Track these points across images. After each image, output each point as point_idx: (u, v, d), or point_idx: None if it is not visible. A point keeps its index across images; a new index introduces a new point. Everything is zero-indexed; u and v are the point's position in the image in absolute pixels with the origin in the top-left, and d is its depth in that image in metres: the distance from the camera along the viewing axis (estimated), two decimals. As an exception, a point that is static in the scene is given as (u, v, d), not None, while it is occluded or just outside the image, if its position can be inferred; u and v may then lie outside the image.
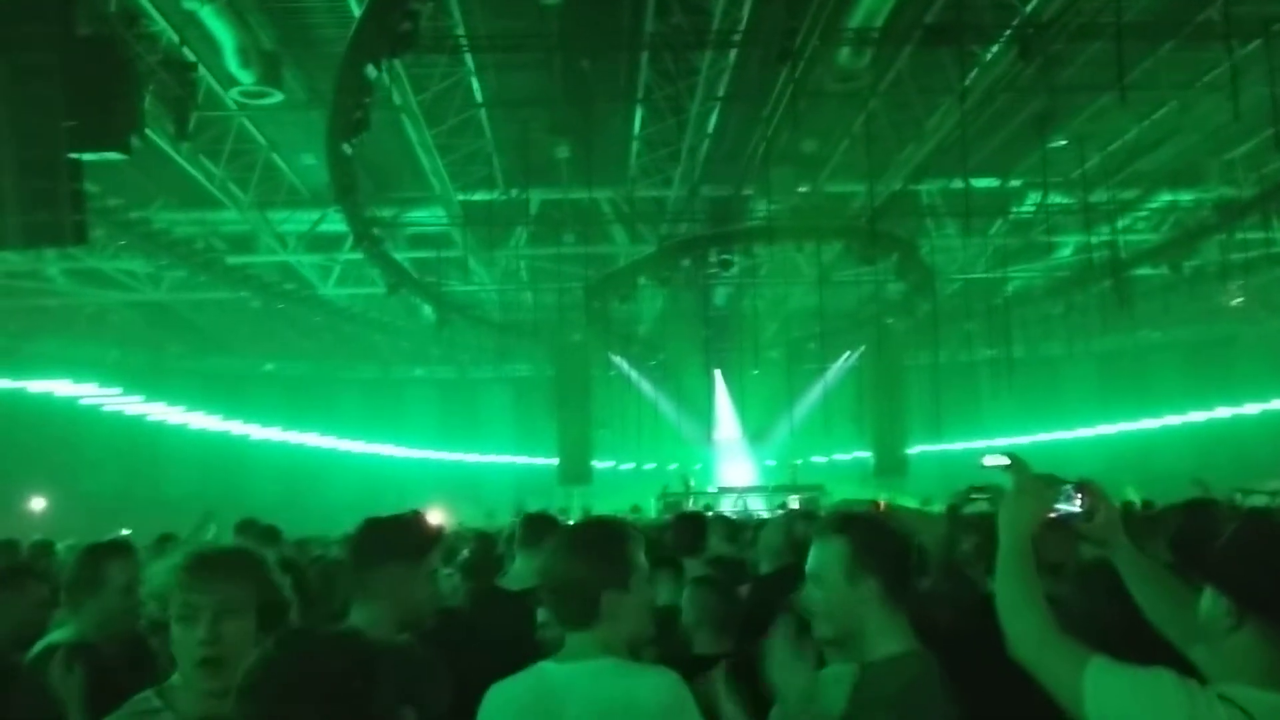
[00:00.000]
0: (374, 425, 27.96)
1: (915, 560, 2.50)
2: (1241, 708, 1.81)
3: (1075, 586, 2.60)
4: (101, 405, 23.04)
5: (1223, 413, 23.61)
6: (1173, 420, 24.38)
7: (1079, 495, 2.26)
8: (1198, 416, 24.04)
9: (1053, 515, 2.24)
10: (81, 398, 22.45)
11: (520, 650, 2.73)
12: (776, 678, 2.44)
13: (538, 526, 4.58)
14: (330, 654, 1.77)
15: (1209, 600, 1.95)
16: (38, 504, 21.65)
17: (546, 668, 2.41)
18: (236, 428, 26.00)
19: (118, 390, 23.30)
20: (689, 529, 6.09)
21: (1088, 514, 2.27)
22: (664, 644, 3.40)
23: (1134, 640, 2.10)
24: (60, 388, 21.88)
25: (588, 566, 2.43)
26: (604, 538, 2.51)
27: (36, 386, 21.39)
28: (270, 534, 7.38)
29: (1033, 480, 2.27)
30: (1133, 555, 2.30)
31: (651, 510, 19.36)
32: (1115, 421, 25.16)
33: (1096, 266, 19.24)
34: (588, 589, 2.40)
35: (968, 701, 2.30)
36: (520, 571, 4.50)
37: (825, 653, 3.29)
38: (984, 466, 2.49)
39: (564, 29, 12.96)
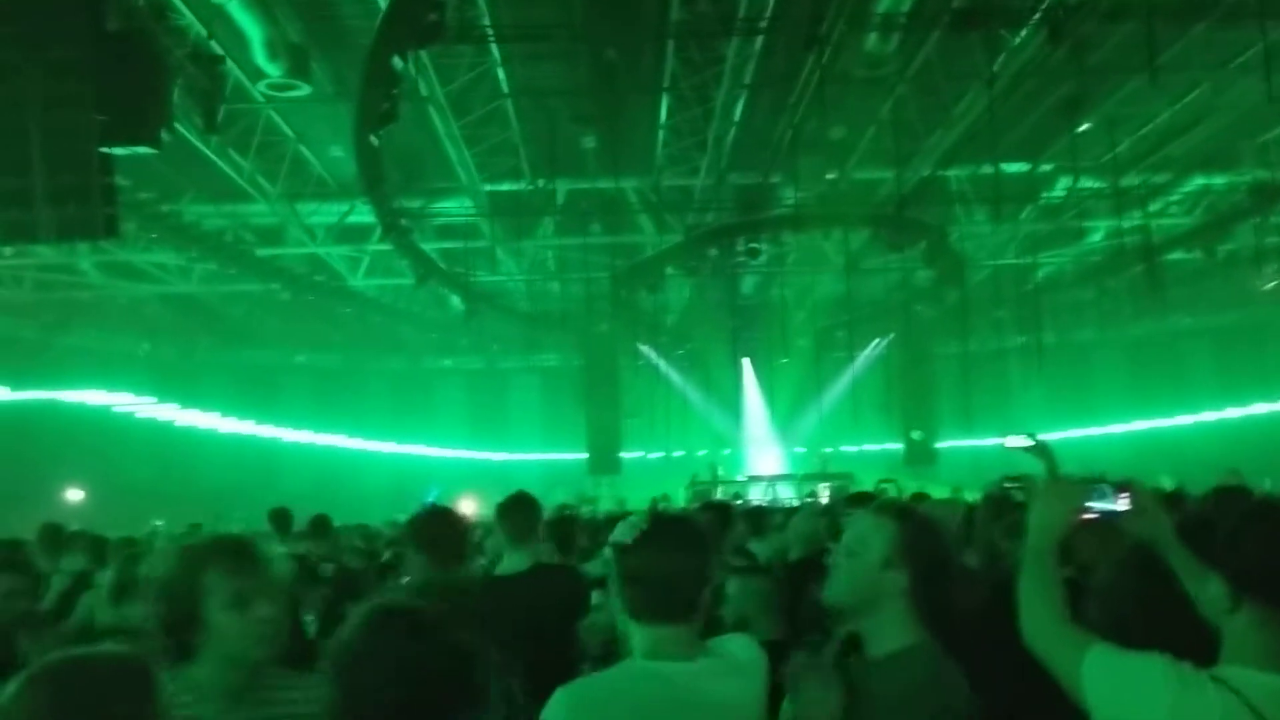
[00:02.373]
0: (404, 422, 28.11)
1: (948, 562, 2.49)
2: (1234, 689, 1.86)
3: (1117, 576, 2.58)
4: (134, 413, 23.38)
5: (1260, 409, 23.28)
6: (1207, 416, 24.05)
7: (1123, 494, 2.25)
8: (1233, 413, 23.72)
9: (1092, 515, 2.23)
10: (115, 406, 22.78)
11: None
12: (803, 707, 2.45)
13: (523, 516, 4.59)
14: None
15: (1212, 583, 2.00)
16: (75, 495, 21.94)
17: (664, 668, 2.40)
18: (268, 431, 26.31)
19: (152, 399, 23.63)
20: (714, 519, 6.08)
21: (1135, 513, 2.26)
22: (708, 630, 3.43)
23: (1181, 629, 2.09)
24: (94, 397, 22.24)
25: (698, 562, 2.49)
26: (699, 535, 2.58)
27: (70, 396, 21.73)
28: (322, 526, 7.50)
29: (1062, 480, 2.30)
30: (1184, 553, 2.29)
31: (680, 499, 19.38)
32: (1148, 414, 24.83)
33: (1128, 251, 19.04)
34: (698, 584, 2.46)
35: (995, 679, 2.30)
36: (513, 563, 4.50)
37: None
38: (1007, 449, 2.50)
39: (590, 18, 12.95)
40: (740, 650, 2.53)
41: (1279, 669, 1.89)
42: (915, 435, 24.39)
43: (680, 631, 2.43)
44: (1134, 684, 1.95)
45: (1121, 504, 2.24)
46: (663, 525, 2.61)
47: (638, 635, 2.45)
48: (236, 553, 2.41)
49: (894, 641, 2.37)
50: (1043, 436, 2.61)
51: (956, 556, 2.57)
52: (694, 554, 2.49)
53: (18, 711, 1.66)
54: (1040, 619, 2.15)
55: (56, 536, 6.77)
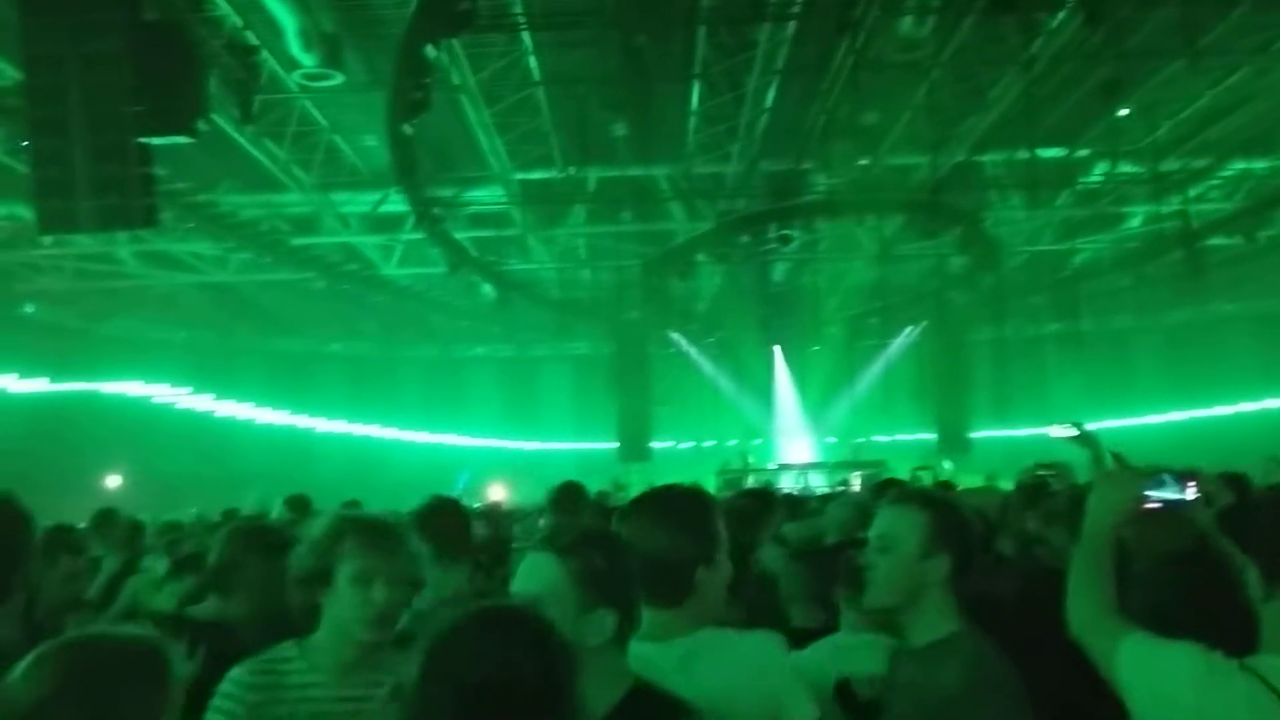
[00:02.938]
0: (436, 411, 28.27)
1: (979, 548, 2.48)
2: (1262, 677, 1.86)
3: (1160, 563, 2.56)
4: (174, 404, 23.76)
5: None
6: (1247, 406, 23.72)
7: (1188, 483, 2.22)
8: (1274, 403, 23.38)
9: (1154, 505, 2.21)
10: (153, 397, 23.13)
11: None
12: None
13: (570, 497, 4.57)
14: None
15: (1250, 571, 1.99)
16: (113, 482, 22.24)
17: (635, 648, 2.10)
18: (302, 421, 26.56)
19: (189, 389, 23.97)
20: (754, 505, 6.05)
21: (1203, 502, 2.24)
22: (763, 615, 3.41)
23: (1226, 617, 2.07)
24: (133, 388, 22.56)
25: (682, 541, 2.27)
26: (693, 509, 2.37)
27: (110, 388, 22.06)
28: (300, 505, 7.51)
29: (1122, 469, 2.28)
30: None
31: (711, 488, 19.36)
32: (1187, 404, 24.51)
33: (1167, 237, 18.79)
34: (683, 566, 2.24)
35: (1031, 668, 2.29)
36: None
37: (843, 619, 3.28)
38: (1052, 438, 2.48)
39: (620, 5, 12.89)
40: (750, 647, 2.28)
41: None
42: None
43: (662, 615, 2.22)
44: (1163, 672, 1.96)
45: (1189, 493, 2.21)
46: (648, 496, 2.46)
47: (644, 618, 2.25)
48: (374, 531, 2.45)
49: (935, 630, 2.34)
50: (1086, 428, 2.59)
51: (985, 543, 2.55)
52: (677, 535, 2.27)
53: (25, 690, 1.67)
54: (1085, 607, 2.14)
55: (110, 521, 6.82)
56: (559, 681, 1.54)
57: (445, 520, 4.03)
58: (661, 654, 2.18)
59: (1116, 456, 2.28)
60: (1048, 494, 5.68)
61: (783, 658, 2.32)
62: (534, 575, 2.00)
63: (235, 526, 3.71)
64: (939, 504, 2.48)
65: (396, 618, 2.44)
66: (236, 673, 2.40)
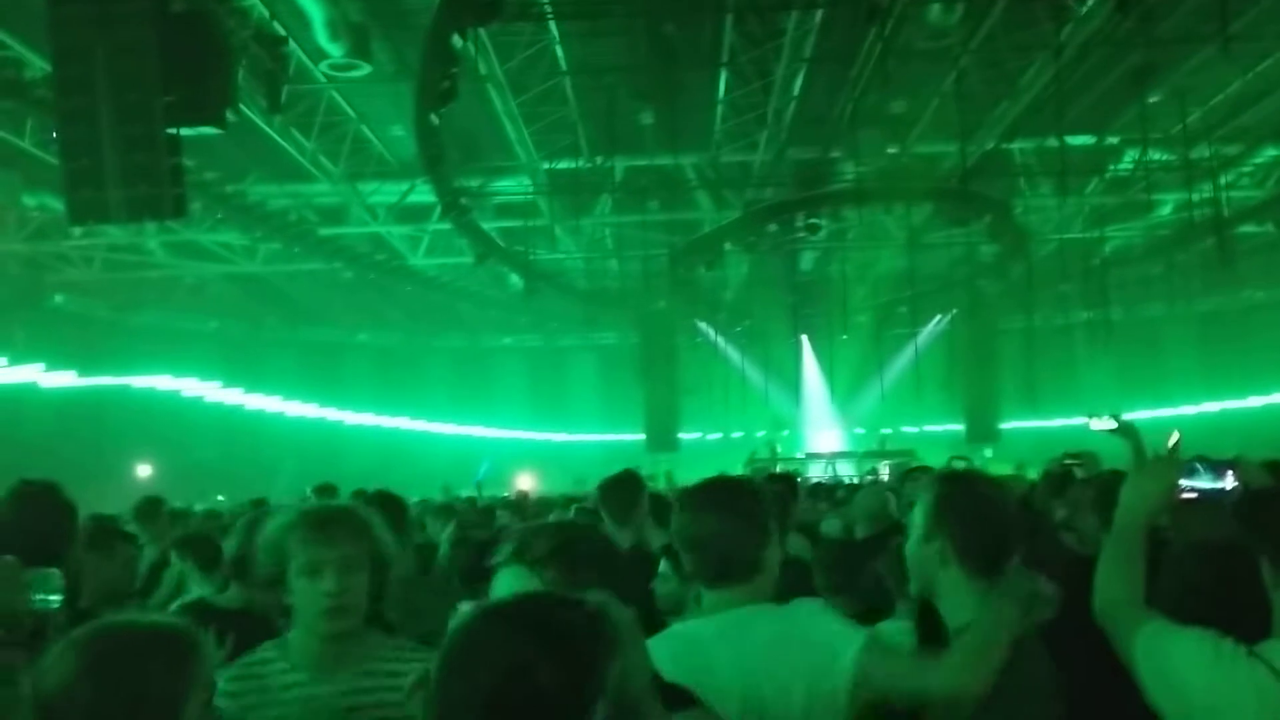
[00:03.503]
0: (464, 402, 28.37)
1: (1009, 534, 2.37)
2: (1269, 663, 1.88)
3: (1191, 547, 2.53)
4: (203, 397, 23.96)
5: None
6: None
7: (1228, 472, 2.20)
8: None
9: (1191, 495, 2.19)
10: (183, 390, 23.33)
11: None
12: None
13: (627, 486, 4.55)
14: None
15: (1264, 560, 2.02)
16: (144, 471, 22.47)
17: (698, 625, 2.36)
18: (331, 414, 26.74)
19: (218, 383, 24.15)
20: (779, 490, 6.02)
21: (1241, 491, 2.22)
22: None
23: (1251, 604, 2.05)
24: (162, 383, 22.75)
25: (749, 524, 2.39)
26: (750, 496, 2.49)
27: (140, 382, 22.24)
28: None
29: (1157, 459, 2.25)
30: None
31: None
32: (1221, 395, 24.26)
33: (1198, 225, 18.58)
34: (753, 546, 2.37)
35: (1064, 656, 2.27)
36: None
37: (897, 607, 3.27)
38: (1091, 429, 2.45)
39: (647, -7, 12.88)
40: (821, 628, 2.33)
41: None
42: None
43: (736, 593, 2.35)
44: (1175, 659, 1.98)
45: (1227, 482, 2.20)
46: (706, 486, 2.54)
47: (705, 598, 2.43)
48: (318, 521, 2.41)
49: (962, 613, 2.30)
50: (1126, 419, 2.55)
51: (1012, 513, 2.47)
52: (738, 513, 2.40)
53: (53, 675, 1.67)
54: (1111, 595, 2.14)
55: (154, 511, 6.82)
56: (581, 683, 1.49)
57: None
58: (714, 626, 2.30)
59: (1171, 447, 2.24)
60: (1075, 482, 5.64)
61: (829, 615, 2.40)
62: (505, 594, 1.93)
63: (250, 516, 3.74)
64: (945, 482, 2.47)
65: (357, 605, 2.37)
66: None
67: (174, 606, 4.09)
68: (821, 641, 2.25)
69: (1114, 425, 2.31)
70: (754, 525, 2.39)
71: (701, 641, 2.27)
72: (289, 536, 2.38)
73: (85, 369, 20.97)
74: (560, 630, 1.48)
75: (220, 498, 15.05)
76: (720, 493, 2.50)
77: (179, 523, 6.98)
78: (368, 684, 2.35)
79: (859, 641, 2.22)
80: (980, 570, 2.31)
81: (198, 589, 4.34)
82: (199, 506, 10.26)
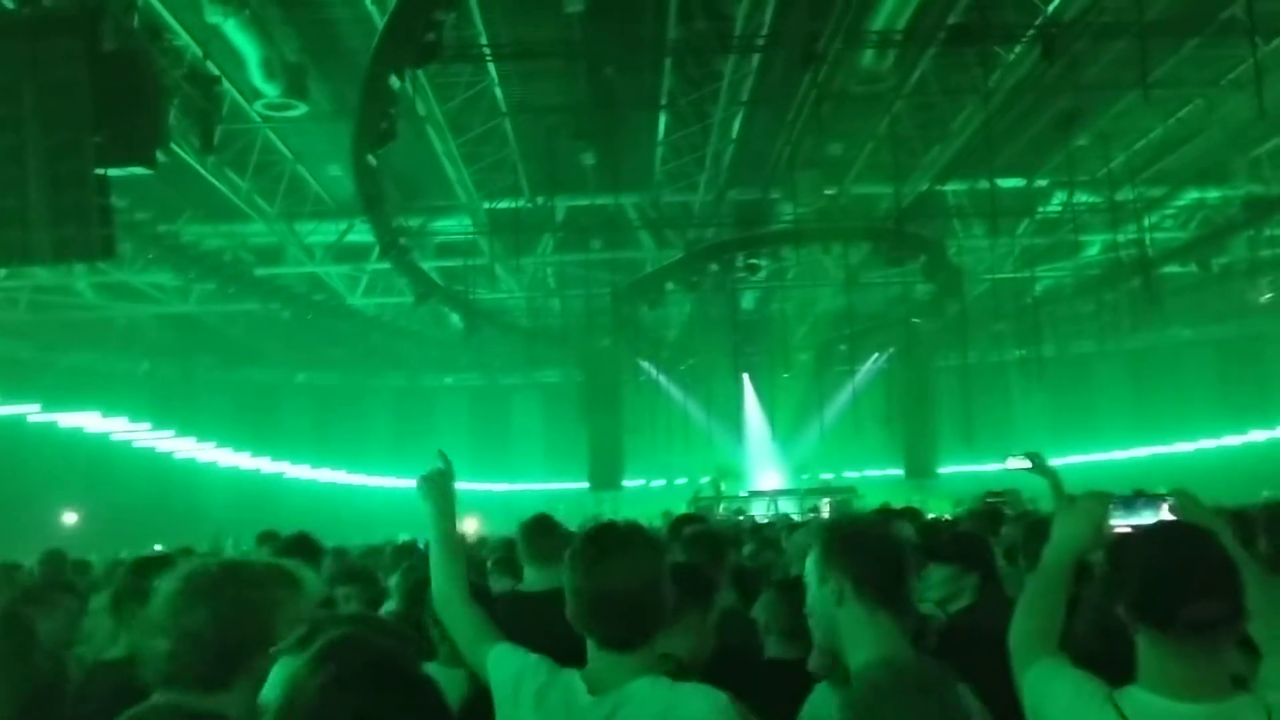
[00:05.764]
0: (405, 452, 27.93)
1: (901, 563, 2.35)
2: (1119, 708, 1.91)
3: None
4: (132, 442, 23.23)
5: (1258, 436, 23.36)
6: (1207, 443, 24.03)
7: (1165, 506, 2.21)
8: (1231, 440, 23.74)
9: (1125, 529, 2.18)
10: (113, 433, 22.58)
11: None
12: None
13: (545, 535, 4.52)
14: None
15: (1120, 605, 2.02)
16: (70, 518, 21.83)
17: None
18: (267, 464, 26.20)
19: (147, 425, 23.44)
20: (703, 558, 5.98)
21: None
22: (738, 647, 3.39)
23: None
24: (91, 422, 21.98)
25: (646, 579, 2.25)
26: (653, 551, 2.34)
27: (68, 420, 21.51)
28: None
29: (1086, 497, 2.27)
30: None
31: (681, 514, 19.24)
32: (1150, 439, 24.72)
33: (1125, 265, 19.06)
34: (645, 608, 2.24)
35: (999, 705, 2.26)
36: (533, 581, 4.46)
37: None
38: (1007, 469, 2.48)
39: (588, 36, 12.96)
40: (687, 703, 2.18)
41: (1164, 692, 1.90)
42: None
43: (613, 659, 2.22)
44: (1048, 698, 2.02)
45: (1163, 515, 2.20)
46: (603, 533, 2.36)
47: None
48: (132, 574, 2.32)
49: (863, 650, 2.24)
50: (1041, 457, 2.58)
51: (899, 541, 2.47)
52: (639, 570, 2.24)
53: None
54: (1025, 627, 2.15)
55: (57, 561, 6.66)
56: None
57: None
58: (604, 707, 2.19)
59: (1056, 484, 2.27)
60: (1002, 520, 5.65)
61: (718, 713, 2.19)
62: (277, 684, 1.77)
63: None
64: (831, 529, 2.47)
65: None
66: None
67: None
68: None
69: (1029, 465, 2.35)
70: (652, 587, 2.25)
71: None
72: None
73: (7, 399, 20.33)
74: (407, 687, 1.45)
75: (157, 547, 14.65)
76: (617, 543, 2.31)
77: (83, 574, 6.78)
78: None
79: None
80: (880, 601, 2.27)
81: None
82: (125, 554, 9.97)
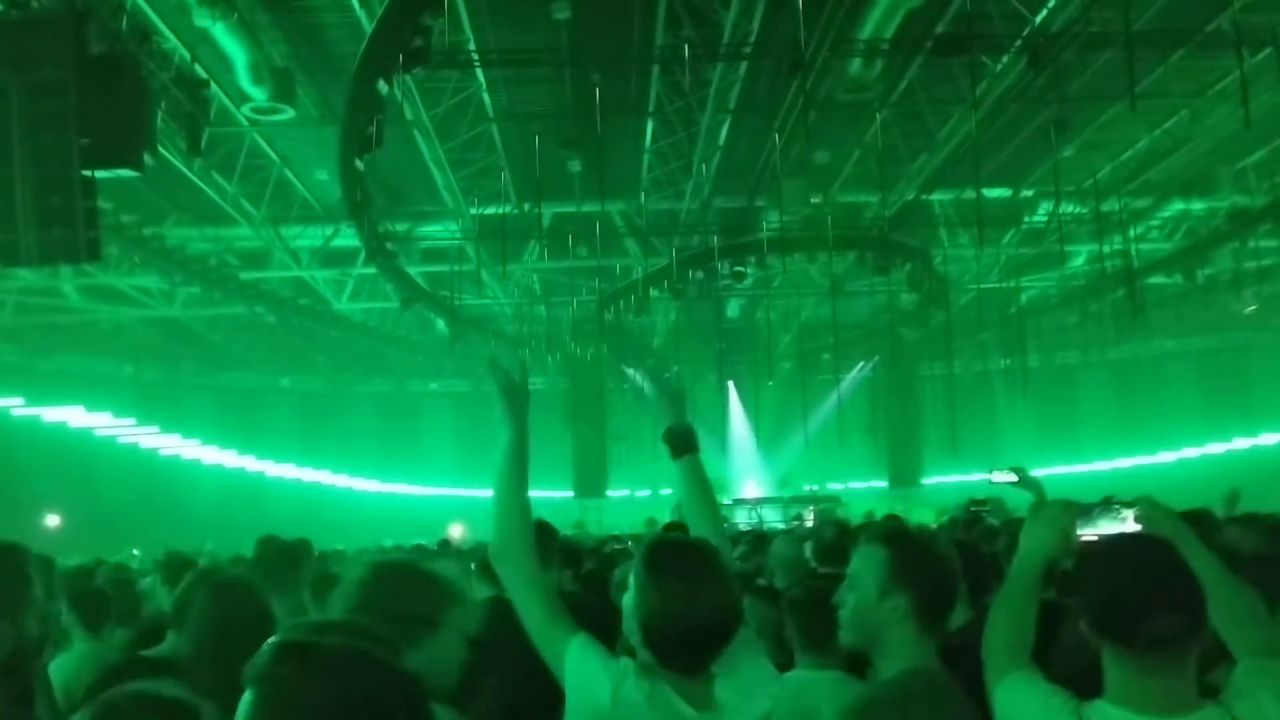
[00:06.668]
0: (390, 456, 27.93)
1: (956, 587, 2.40)
2: None
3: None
4: (116, 438, 23.11)
5: (1241, 443, 23.47)
6: (1190, 452, 24.13)
7: (1130, 513, 2.21)
8: (1214, 448, 23.84)
9: (1092, 538, 2.19)
10: (96, 428, 22.46)
11: None
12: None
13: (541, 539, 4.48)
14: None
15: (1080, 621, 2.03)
16: (52, 521, 21.67)
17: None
18: (252, 463, 26.09)
19: (131, 420, 23.33)
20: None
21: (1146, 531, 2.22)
22: None
23: None
24: (75, 416, 21.83)
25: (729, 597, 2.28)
26: (723, 564, 2.37)
27: (52, 414, 21.37)
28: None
29: (1053, 503, 2.28)
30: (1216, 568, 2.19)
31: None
32: (1133, 449, 24.80)
33: (1110, 275, 19.16)
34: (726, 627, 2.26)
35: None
36: None
37: (798, 658, 3.30)
38: (992, 482, 2.49)
39: (575, 43, 12.99)
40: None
41: (1131, 706, 1.91)
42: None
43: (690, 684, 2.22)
44: (1017, 710, 2.01)
45: (1131, 525, 2.20)
46: (674, 550, 2.34)
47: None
48: None
49: (902, 663, 2.29)
50: (1026, 470, 2.58)
51: (956, 575, 2.49)
52: (723, 586, 2.24)
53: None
54: (996, 637, 2.15)
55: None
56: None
57: None
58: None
59: (1040, 495, 2.27)
60: (984, 529, 5.66)
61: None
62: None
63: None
64: (901, 541, 2.44)
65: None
66: None
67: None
68: None
69: (1014, 478, 2.35)
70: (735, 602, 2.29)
71: None
72: None
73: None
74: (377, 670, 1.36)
75: (135, 552, 14.58)
76: (694, 559, 2.30)
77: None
78: None
79: None
80: (933, 625, 2.32)
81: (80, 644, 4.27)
82: (110, 558, 9.92)
